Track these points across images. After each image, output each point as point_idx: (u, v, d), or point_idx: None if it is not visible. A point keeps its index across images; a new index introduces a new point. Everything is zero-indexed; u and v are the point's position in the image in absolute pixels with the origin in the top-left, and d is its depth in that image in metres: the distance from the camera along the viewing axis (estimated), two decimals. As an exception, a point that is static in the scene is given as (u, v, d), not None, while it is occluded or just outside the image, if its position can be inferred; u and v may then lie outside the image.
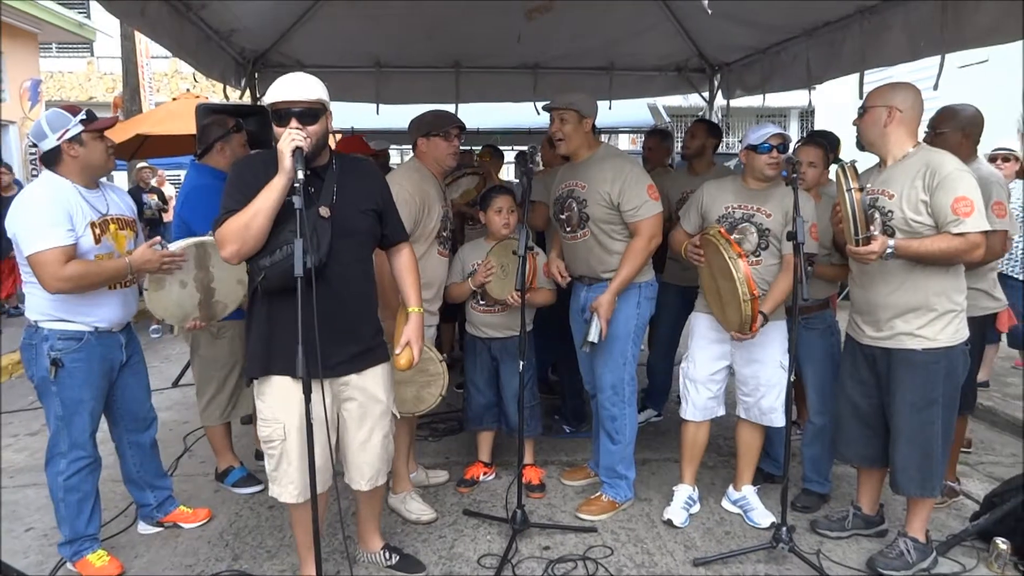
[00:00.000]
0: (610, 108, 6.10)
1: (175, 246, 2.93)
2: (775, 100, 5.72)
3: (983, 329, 3.41)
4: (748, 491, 3.41)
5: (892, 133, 2.79)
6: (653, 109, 9.96)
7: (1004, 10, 2.98)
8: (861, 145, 2.96)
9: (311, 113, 2.37)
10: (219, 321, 3.33)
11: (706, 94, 6.09)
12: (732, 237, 3.01)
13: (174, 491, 3.38)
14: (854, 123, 2.92)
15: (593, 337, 3.25)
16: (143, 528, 3.27)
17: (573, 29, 5.07)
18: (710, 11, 2.37)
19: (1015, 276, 4.68)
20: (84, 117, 2.76)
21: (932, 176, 2.65)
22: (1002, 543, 2.95)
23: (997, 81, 6.19)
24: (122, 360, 2.97)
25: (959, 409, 3.33)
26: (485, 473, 3.83)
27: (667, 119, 11.65)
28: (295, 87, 2.38)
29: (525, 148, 3.60)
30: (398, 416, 2.76)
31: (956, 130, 3.20)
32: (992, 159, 4.96)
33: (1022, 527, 2.94)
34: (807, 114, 18.92)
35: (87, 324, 2.82)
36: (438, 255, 3.31)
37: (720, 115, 6.32)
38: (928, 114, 3.07)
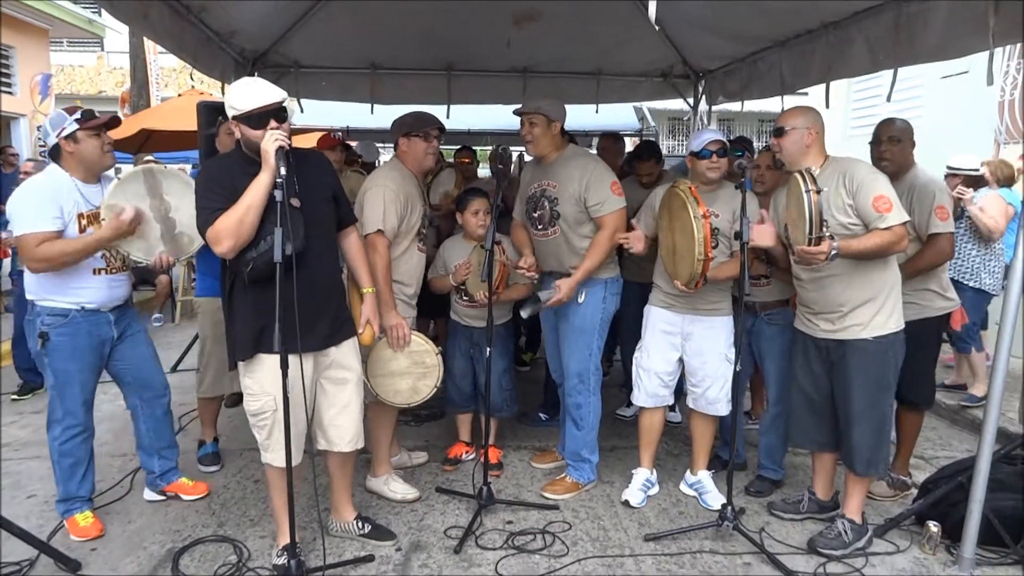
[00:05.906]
0: (597, 111, 6.32)
1: (124, 174, 3.02)
2: (774, 106, 5.87)
3: (939, 327, 3.61)
4: (703, 475, 3.62)
5: (811, 151, 3.06)
6: (639, 112, 10.17)
7: (948, 31, 3.21)
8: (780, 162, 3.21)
9: (283, 113, 2.59)
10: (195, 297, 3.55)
11: (691, 100, 6.28)
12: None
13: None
14: (771, 143, 3.17)
15: (537, 306, 3.48)
16: (148, 495, 3.51)
17: (561, 36, 5.24)
18: (657, 26, 2.59)
19: (965, 282, 4.89)
20: (79, 116, 3.03)
21: (851, 181, 2.92)
22: (934, 526, 3.15)
23: (977, 91, 6.40)
24: (113, 336, 3.19)
25: (917, 404, 3.58)
26: (467, 452, 4.04)
27: (652, 123, 11.86)
28: (266, 92, 2.58)
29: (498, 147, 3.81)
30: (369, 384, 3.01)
31: (908, 140, 3.45)
32: (953, 175, 5.16)
33: (953, 511, 3.13)
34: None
35: (74, 303, 3.06)
36: (418, 251, 3.50)
37: (704, 119, 6.52)
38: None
